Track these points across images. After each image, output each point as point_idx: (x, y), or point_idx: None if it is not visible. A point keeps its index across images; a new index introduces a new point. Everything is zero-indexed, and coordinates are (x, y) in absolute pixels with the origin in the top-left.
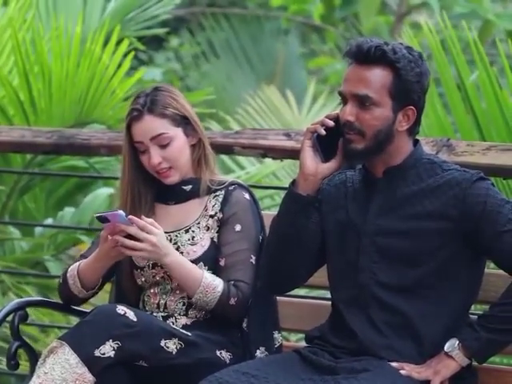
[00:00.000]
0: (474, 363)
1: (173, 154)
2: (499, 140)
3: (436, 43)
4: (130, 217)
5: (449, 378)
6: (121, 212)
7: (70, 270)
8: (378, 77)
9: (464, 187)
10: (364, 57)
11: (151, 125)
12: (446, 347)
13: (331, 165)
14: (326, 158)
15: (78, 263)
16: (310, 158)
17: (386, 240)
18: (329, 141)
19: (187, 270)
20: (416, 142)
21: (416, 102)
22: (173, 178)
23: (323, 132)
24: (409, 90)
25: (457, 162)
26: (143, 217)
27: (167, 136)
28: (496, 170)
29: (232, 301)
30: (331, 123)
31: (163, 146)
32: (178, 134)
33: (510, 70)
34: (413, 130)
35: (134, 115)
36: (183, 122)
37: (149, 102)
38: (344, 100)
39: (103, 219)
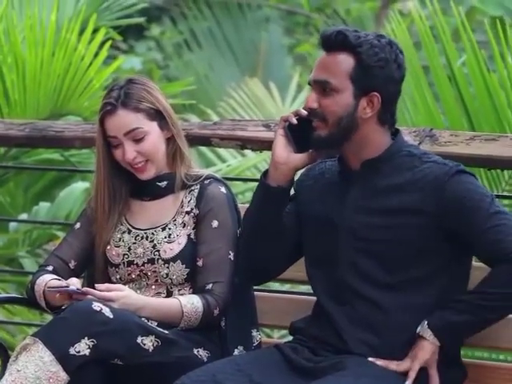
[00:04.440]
0: (463, 359)
1: (148, 148)
2: (488, 127)
3: (425, 30)
4: (85, 289)
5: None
6: (72, 287)
7: (37, 283)
8: (339, 62)
9: (441, 182)
10: (328, 43)
11: (125, 119)
12: (418, 329)
13: (303, 157)
14: (301, 150)
15: (45, 279)
16: (281, 147)
17: (364, 234)
18: (305, 133)
19: (166, 311)
20: (396, 133)
21: (381, 88)
22: (148, 173)
23: (294, 121)
24: (371, 75)
25: (440, 153)
26: (98, 285)
27: (141, 131)
28: (480, 161)
29: (215, 312)
30: (304, 113)
31: (137, 141)
32: (152, 129)
33: (499, 56)
34: (383, 120)
35: (107, 109)
36: (158, 115)
37: (123, 96)
38: (311, 88)
39: (56, 292)
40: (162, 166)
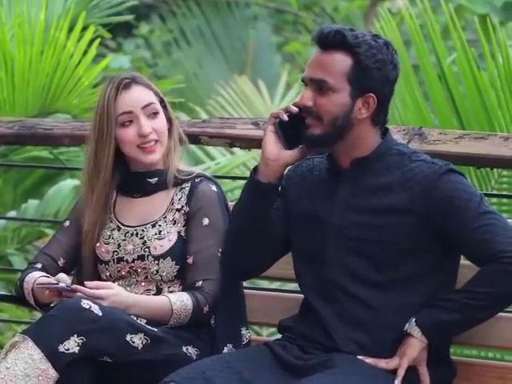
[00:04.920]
0: (453, 357)
1: (160, 126)
2: (477, 126)
3: (415, 28)
4: (75, 286)
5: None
6: (62, 284)
7: (25, 281)
8: (336, 62)
9: (431, 181)
10: (325, 42)
11: (142, 94)
12: (406, 326)
13: (294, 153)
14: (291, 146)
15: (34, 277)
16: (271, 143)
17: (353, 233)
18: (294, 129)
19: (155, 308)
20: (385, 132)
21: (377, 89)
22: (156, 155)
23: (285, 118)
24: (368, 76)
25: (429, 151)
26: (88, 283)
27: (156, 107)
28: (468, 159)
29: (205, 309)
30: (295, 109)
31: (152, 117)
32: (161, 111)
33: (489, 54)
34: (377, 120)
35: (125, 82)
36: (162, 102)
37: (134, 76)
38: (306, 85)
39: (46, 288)
40: (160, 158)
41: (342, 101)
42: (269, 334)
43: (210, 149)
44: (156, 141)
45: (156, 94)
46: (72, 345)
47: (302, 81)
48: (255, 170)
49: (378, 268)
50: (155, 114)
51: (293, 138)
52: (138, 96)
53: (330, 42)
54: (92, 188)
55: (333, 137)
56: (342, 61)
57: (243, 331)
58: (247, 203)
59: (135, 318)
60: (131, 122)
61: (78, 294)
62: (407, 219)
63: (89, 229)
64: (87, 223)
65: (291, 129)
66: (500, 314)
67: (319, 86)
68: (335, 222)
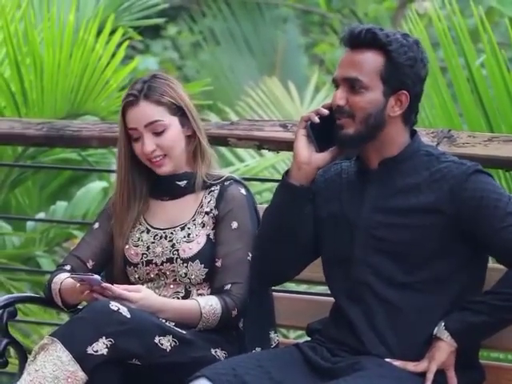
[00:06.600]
0: (482, 360)
1: (167, 142)
2: (507, 128)
3: (444, 30)
4: (105, 285)
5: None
6: (96, 277)
7: (53, 282)
8: (368, 60)
9: (459, 181)
10: (356, 41)
11: (146, 111)
12: (435, 330)
13: (326, 155)
14: (321, 149)
15: (61, 278)
16: (303, 147)
17: (381, 233)
18: (325, 131)
19: (184, 312)
20: (413, 134)
21: (409, 87)
22: (165, 168)
23: (317, 120)
24: (401, 73)
25: (458, 154)
26: (117, 286)
27: (162, 123)
28: (498, 162)
29: (233, 313)
30: (326, 112)
31: (158, 134)
32: (173, 123)
33: None
34: (408, 118)
35: (129, 100)
36: (179, 111)
37: (146, 89)
38: (336, 86)
39: (79, 280)
40: (180, 164)
41: (376, 98)
42: (296, 337)
43: (239, 150)
44: (164, 155)
45: (168, 107)
46: (101, 347)
47: (333, 81)
48: (287, 173)
49: (407, 269)
50: (162, 131)
51: (323, 140)
52: (143, 114)
53: (361, 40)
54: (121, 186)
55: (366, 136)
56: (373, 59)
57: (272, 335)
58: (280, 207)
59: (164, 321)
60: (140, 136)
61: (108, 292)
62: (436, 220)
63: (117, 228)
64: (115, 222)
65: (322, 131)
66: None
67: (352, 85)
68: (363, 222)
